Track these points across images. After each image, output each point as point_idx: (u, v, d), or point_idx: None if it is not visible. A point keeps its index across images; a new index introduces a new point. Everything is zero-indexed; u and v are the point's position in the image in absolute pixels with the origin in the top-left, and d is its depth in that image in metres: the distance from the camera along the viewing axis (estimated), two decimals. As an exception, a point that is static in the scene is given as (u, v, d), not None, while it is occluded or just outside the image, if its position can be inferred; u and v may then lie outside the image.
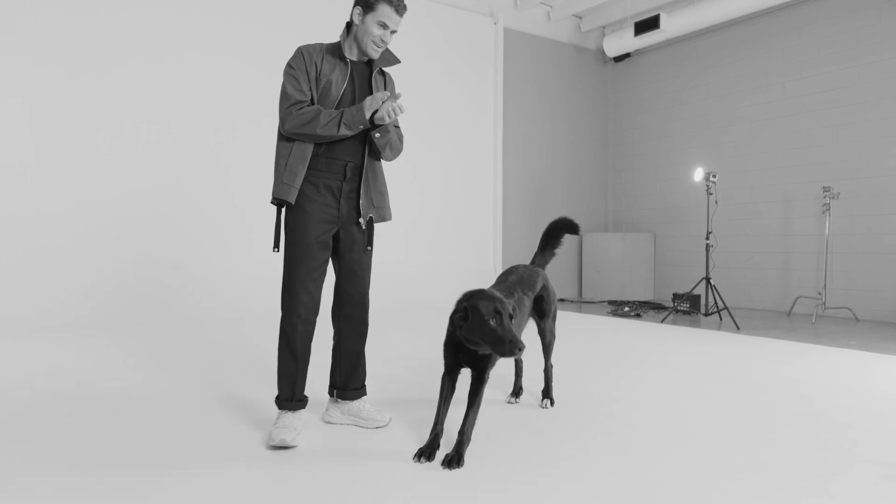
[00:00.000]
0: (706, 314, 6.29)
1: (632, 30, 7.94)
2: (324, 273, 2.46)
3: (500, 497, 1.89)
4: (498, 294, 2.17)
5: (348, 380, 2.57)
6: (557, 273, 8.60)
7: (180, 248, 5.77)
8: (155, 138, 5.68)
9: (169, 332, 4.95)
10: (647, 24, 7.66)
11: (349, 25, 2.51)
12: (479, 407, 2.23)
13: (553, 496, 1.90)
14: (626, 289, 8.24)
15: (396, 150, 2.59)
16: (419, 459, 2.14)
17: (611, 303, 7.80)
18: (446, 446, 2.26)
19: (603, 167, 9.25)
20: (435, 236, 7.41)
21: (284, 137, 2.42)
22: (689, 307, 6.68)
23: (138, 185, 5.58)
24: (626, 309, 6.91)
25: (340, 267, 2.54)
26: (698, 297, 6.68)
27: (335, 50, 2.49)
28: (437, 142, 7.44)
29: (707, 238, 6.37)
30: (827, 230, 6.36)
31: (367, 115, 2.35)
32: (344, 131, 2.35)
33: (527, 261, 8.81)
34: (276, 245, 2.44)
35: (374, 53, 2.50)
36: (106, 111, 5.44)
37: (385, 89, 2.60)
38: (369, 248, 2.54)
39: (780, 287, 7.14)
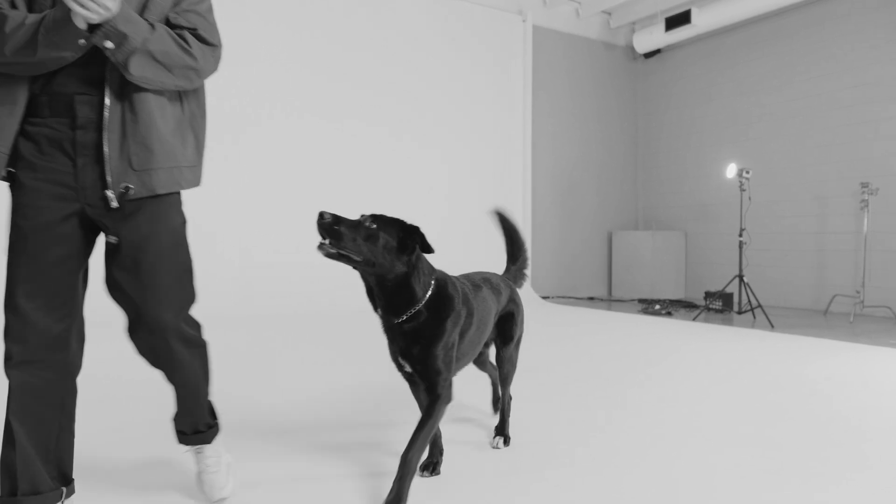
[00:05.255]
0: (739, 312, 6.20)
1: (662, 25, 7.87)
2: (62, 282, 1.53)
3: (539, 486, 1.91)
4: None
5: (178, 417, 1.81)
6: (586, 271, 8.56)
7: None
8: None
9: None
10: (678, 19, 7.60)
11: None
12: (429, 431, 1.76)
13: (569, 490, 1.92)
14: (657, 287, 8.15)
15: (175, 66, 1.53)
16: (422, 474, 1.96)
17: (641, 301, 7.73)
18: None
19: (633, 164, 9.17)
20: (464, 236, 7.42)
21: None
22: (721, 306, 6.59)
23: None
24: (657, 307, 6.85)
25: (108, 273, 1.61)
26: (731, 295, 6.58)
27: None
28: (466, 140, 7.46)
29: (740, 235, 6.28)
30: (865, 227, 6.21)
31: (77, 19, 1.38)
32: (49, 52, 1.41)
33: (552, 262, 8.64)
34: None
35: None
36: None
37: None
38: (112, 239, 1.55)
39: (816, 285, 6.99)
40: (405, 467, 1.71)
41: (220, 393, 3.00)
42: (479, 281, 2.11)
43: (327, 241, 1.64)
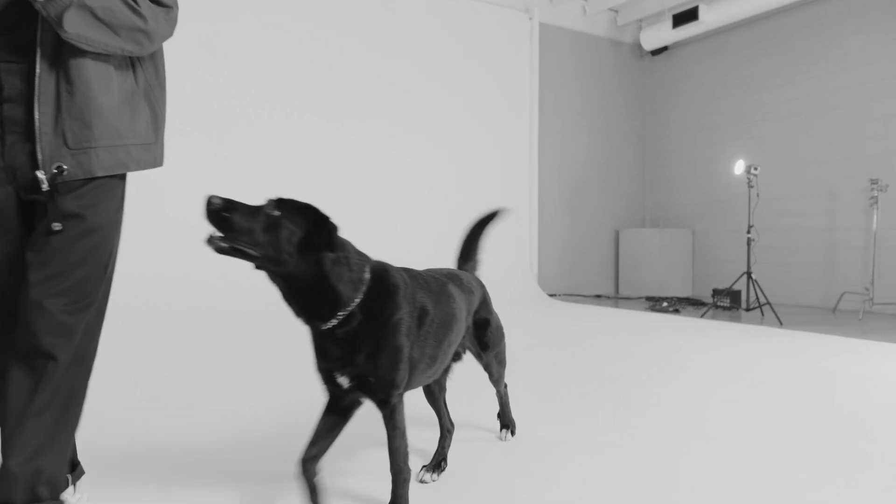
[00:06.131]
0: (747, 309, 6.17)
1: (669, 22, 7.85)
2: (10, 278, 1.38)
3: (541, 484, 1.91)
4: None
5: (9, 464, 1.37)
6: (593, 269, 8.53)
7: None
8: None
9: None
10: (686, 16, 7.58)
11: None
12: (401, 440, 1.58)
13: (572, 488, 1.91)
14: (664, 285, 8.12)
15: (120, 26, 1.33)
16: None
17: (648, 299, 7.70)
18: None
19: (640, 162, 9.14)
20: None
21: None
22: (729, 303, 6.55)
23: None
24: (665, 304, 6.82)
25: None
26: (738, 292, 6.55)
27: None
28: (473, 137, 7.46)
29: (748, 232, 6.24)
30: (875, 224, 6.16)
31: None
32: None
33: (559, 260, 8.55)
34: None
35: None
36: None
37: None
38: (56, 225, 1.34)
39: (824, 283, 6.94)
40: (398, 476, 1.59)
41: (216, 391, 3.04)
42: (443, 277, 1.83)
43: (218, 234, 1.36)
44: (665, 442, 2.30)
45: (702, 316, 6.07)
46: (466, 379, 2.50)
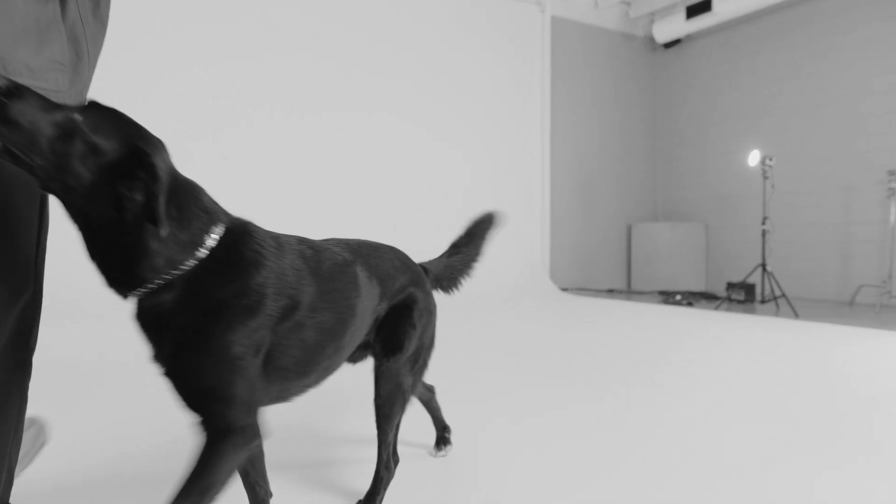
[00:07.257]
0: (762, 301, 6.10)
1: (682, 14, 7.79)
2: None
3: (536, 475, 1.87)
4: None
5: None
6: (605, 263, 8.48)
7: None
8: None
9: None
10: (699, 7, 7.52)
11: None
12: (201, 494, 1.03)
13: (567, 479, 1.88)
14: (677, 280, 8.05)
15: None
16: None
17: (661, 293, 7.64)
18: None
19: (652, 155, 9.08)
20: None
21: None
22: (744, 296, 6.48)
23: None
24: (678, 297, 6.76)
25: None
26: (753, 286, 6.48)
27: None
28: (484, 131, 7.43)
29: (763, 223, 6.17)
30: (892, 217, 6.07)
31: None
32: None
33: (571, 254, 8.41)
34: None
35: None
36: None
37: None
38: None
39: (840, 277, 6.85)
40: None
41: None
42: (350, 253, 1.35)
43: None
44: (669, 435, 2.25)
45: (715, 308, 6.01)
46: (447, 352, 2.47)
